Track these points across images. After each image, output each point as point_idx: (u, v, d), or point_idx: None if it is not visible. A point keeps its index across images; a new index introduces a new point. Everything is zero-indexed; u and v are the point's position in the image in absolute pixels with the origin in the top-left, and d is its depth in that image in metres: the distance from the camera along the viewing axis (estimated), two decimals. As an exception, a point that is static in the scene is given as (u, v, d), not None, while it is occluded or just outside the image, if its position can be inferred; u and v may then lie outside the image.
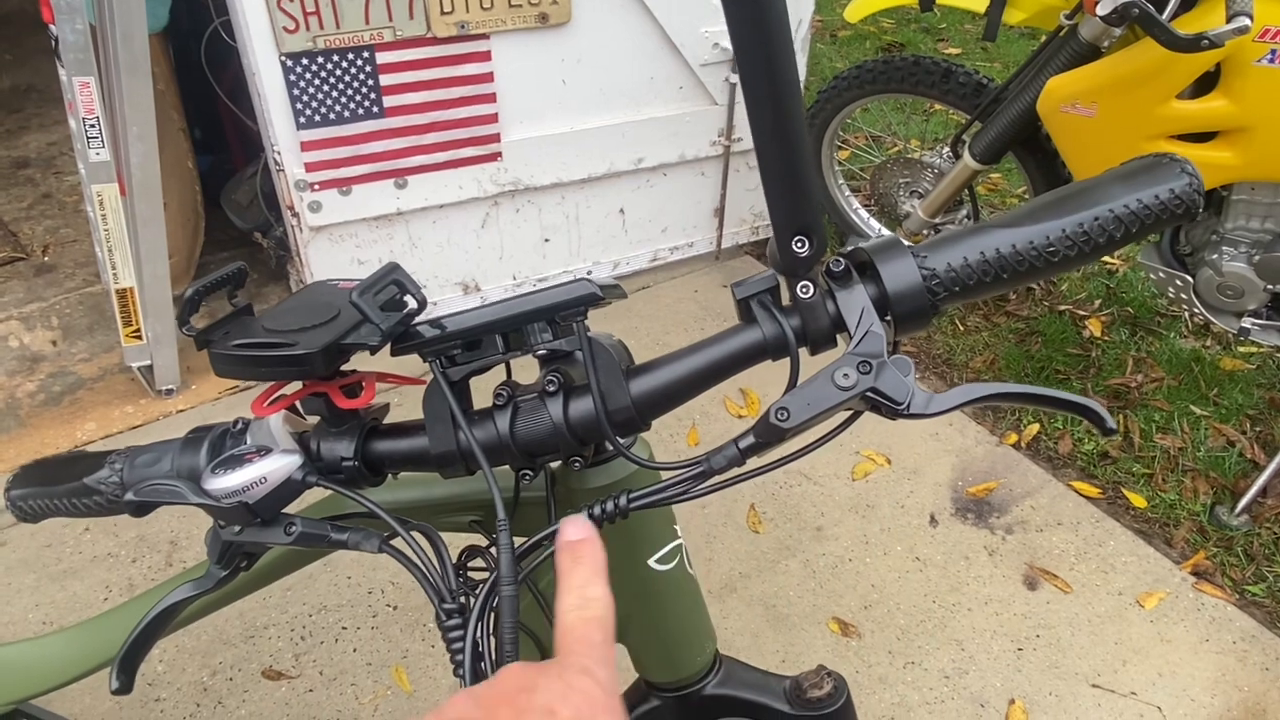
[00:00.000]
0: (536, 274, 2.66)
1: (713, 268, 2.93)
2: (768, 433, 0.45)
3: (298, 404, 0.52)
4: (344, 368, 0.52)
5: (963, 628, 1.78)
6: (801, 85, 2.78)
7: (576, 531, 0.43)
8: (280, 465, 0.49)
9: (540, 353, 0.51)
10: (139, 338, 2.23)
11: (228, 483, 0.48)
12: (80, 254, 2.88)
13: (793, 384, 0.47)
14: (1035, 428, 2.27)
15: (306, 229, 2.26)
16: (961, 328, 2.62)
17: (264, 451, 0.50)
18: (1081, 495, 2.09)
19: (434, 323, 0.51)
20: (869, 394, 0.44)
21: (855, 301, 0.46)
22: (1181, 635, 1.77)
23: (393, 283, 0.48)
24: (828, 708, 0.67)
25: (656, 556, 0.63)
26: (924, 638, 1.76)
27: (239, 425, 0.53)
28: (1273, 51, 1.61)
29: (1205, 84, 1.73)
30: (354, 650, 1.70)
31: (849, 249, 0.48)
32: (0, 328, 2.54)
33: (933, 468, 2.16)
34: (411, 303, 0.50)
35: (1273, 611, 1.82)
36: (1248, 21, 1.47)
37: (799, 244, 0.45)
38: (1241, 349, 2.47)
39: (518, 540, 0.52)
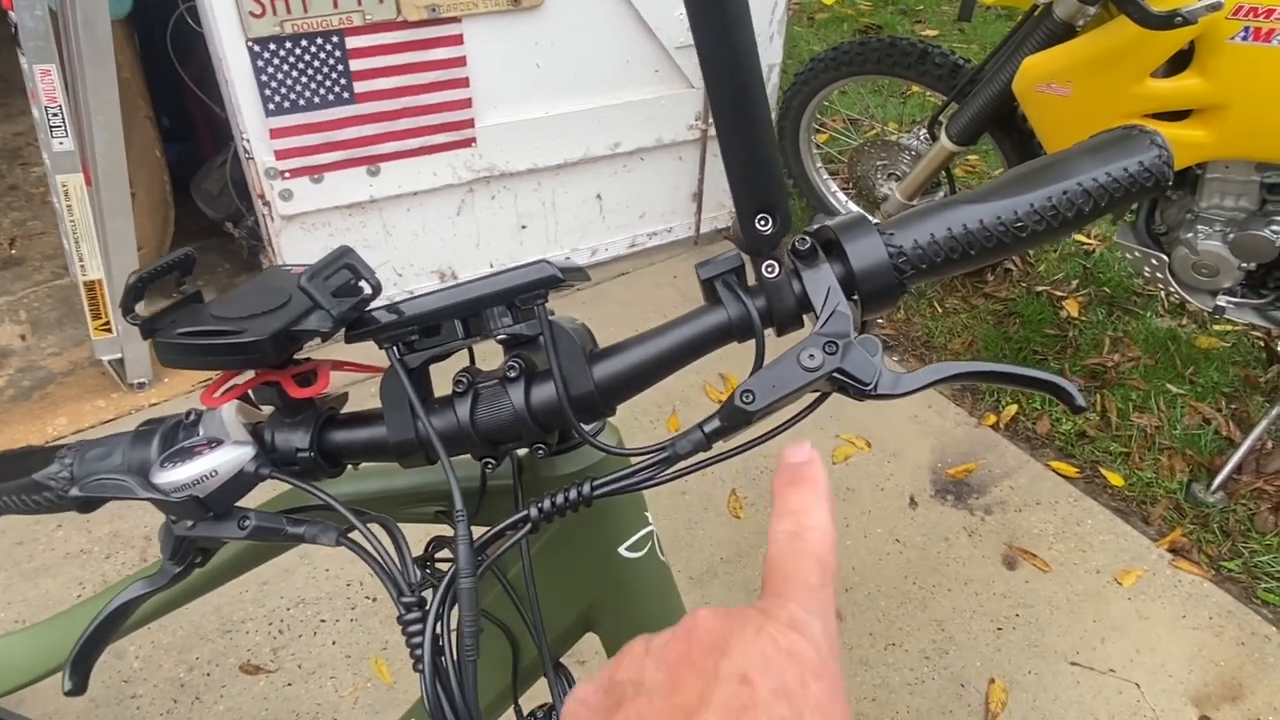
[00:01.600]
0: (514, 261, 2.62)
1: (692, 253, 2.91)
2: (733, 416, 0.44)
3: (250, 394, 0.51)
4: (298, 355, 0.50)
5: (943, 608, 1.79)
6: (778, 68, 2.75)
7: (799, 454, 0.37)
8: (232, 457, 0.47)
9: (501, 338, 0.50)
10: (109, 330, 2.19)
11: (177, 476, 0.46)
12: (48, 246, 2.83)
13: (758, 366, 0.46)
14: (1014, 408, 2.27)
15: (278, 218, 2.22)
16: (940, 310, 2.63)
17: (215, 444, 0.48)
18: (1060, 475, 2.10)
19: (390, 307, 0.49)
20: (836, 375, 0.43)
21: (821, 280, 0.45)
22: (1159, 612, 1.78)
23: (345, 267, 0.47)
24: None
25: (627, 544, 0.62)
26: (904, 619, 1.77)
27: (191, 417, 0.51)
28: (1246, 29, 1.61)
29: (1179, 62, 1.73)
30: (333, 643, 1.69)
31: (815, 227, 0.47)
32: (-34, 322, 2.49)
33: (912, 450, 2.17)
34: (366, 288, 0.48)
35: (1248, 587, 1.84)
36: (1220, -2, 1.47)
37: (762, 222, 0.43)
38: (1217, 327, 2.49)
39: (481, 531, 0.50)
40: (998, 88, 2.02)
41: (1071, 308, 2.58)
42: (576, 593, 0.64)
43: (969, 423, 2.25)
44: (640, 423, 2.22)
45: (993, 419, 2.26)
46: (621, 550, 0.62)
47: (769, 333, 0.48)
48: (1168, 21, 1.53)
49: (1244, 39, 1.62)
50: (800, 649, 0.29)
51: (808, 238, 0.46)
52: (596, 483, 0.47)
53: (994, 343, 2.46)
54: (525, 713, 0.67)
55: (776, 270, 0.46)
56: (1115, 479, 2.08)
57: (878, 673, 1.66)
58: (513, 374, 0.49)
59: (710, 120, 2.65)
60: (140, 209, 2.42)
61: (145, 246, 2.46)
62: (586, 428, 0.50)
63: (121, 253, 2.09)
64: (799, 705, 0.27)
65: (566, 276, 0.48)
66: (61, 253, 2.75)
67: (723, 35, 0.39)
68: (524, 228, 2.60)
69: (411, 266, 2.49)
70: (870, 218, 0.46)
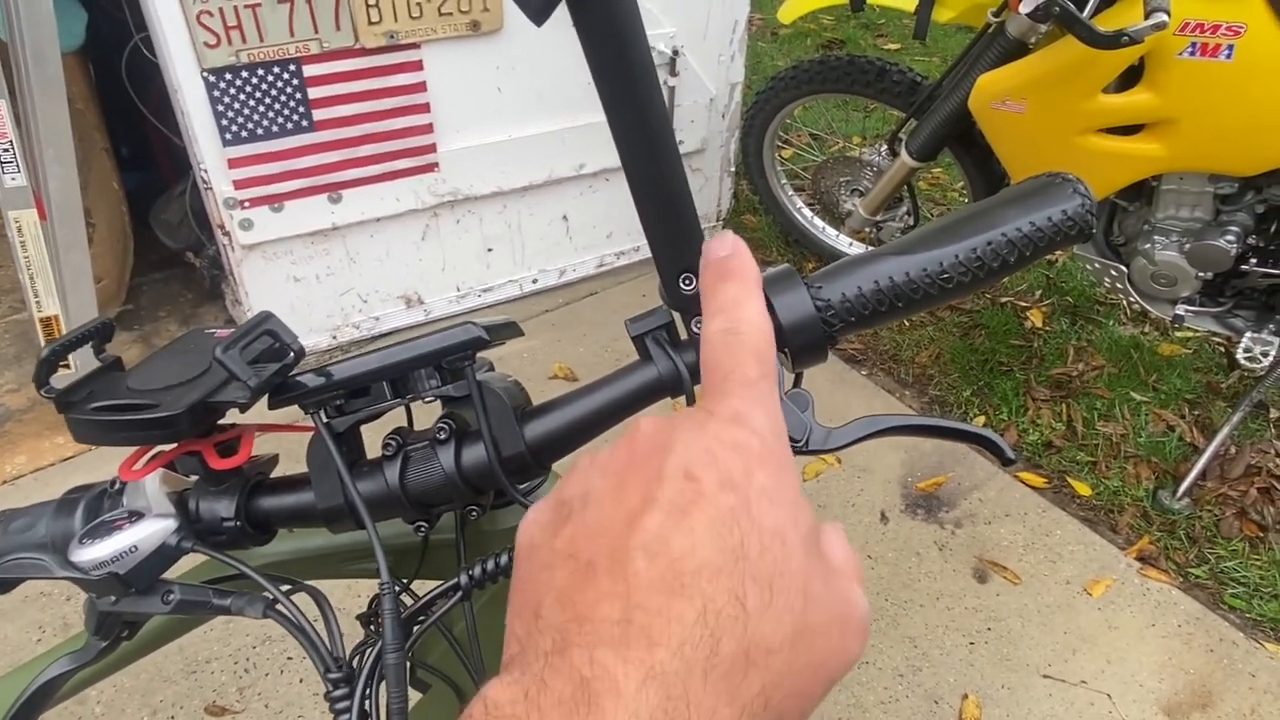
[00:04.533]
0: (481, 284, 2.63)
1: (660, 271, 2.91)
2: None
3: (175, 462, 0.50)
4: (222, 422, 0.49)
5: (915, 624, 1.79)
6: (740, 86, 2.75)
7: (722, 247, 0.36)
8: (152, 531, 0.46)
9: (428, 399, 0.49)
10: (67, 366, 2.15)
11: (96, 554, 0.45)
12: (4, 280, 2.78)
13: None
14: (981, 419, 2.29)
15: (239, 247, 2.20)
16: (907, 324, 2.64)
17: (137, 517, 0.47)
18: (1028, 486, 2.11)
19: (318, 370, 0.48)
20: None
21: None
22: (1128, 621, 1.79)
23: (265, 333, 0.46)
24: None
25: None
26: (877, 636, 1.77)
27: (116, 485, 0.50)
28: (1193, 44, 1.64)
29: (1132, 76, 1.76)
30: (300, 681, 1.66)
31: None
32: (-79, 360, 2.44)
33: (882, 465, 2.17)
34: (289, 353, 0.47)
35: (1215, 593, 1.85)
36: (1165, 18, 1.49)
37: (686, 282, 0.43)
38: (1179, 334, 2.52)
39: (420, 590, 0.49)
40: (954, 104, 2.04)
41: (1036, 318, 2.60)
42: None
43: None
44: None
45: (961, 431, 2.26)
46: None
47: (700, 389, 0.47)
48: (1114, 41, 1.55)
49: (1191, 54, 1.64)
50: (744, 439, 0.29)
51: None
52: None
53: (960, 355, 2.48)
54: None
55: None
56: (1083, 488, 2.10)
57: (851, 692, 1.66)
58: (442, 436, 0.48)
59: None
60: (99, 241, 2.39)
61: (105, 279, 2.43)
62: (526, 485, 0.49)
63: (78, 288, 2.06)
64: (745, 493, 0.27)
65: (493, 336, 0.47)
66: (18, 286, 2.70)
67: (630, 97, 0.38)
68: (490, 250, 2.59)
69: (377, 293, 2.47)
70: (796, 273, 0.45)
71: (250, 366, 0.44)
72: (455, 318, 2.47)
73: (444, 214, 2.45)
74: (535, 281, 2.72)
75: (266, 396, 0.47)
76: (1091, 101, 1.77)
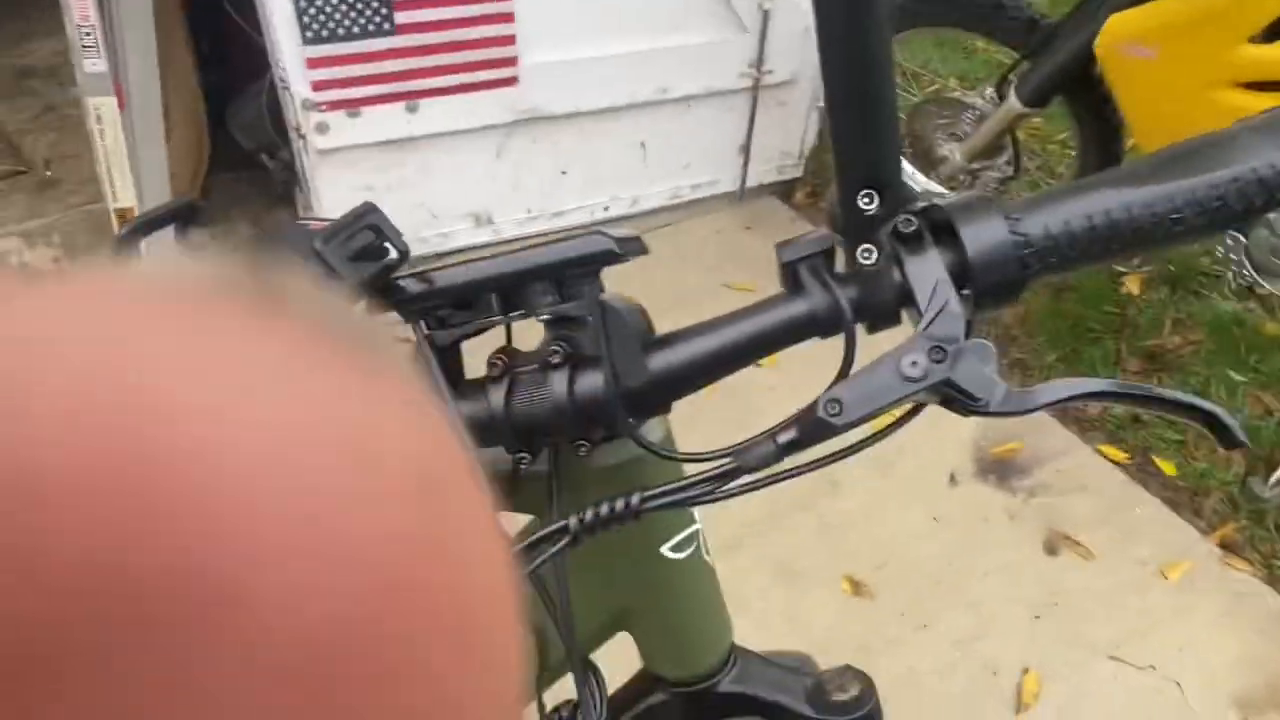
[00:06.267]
0: (552, 208, 2.56)
1: (736, 208, 2.82)
2: (814, 429, 0.37)
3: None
4: None
5: (978, 592, 1.73)
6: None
7: None
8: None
9: (544, 317, 0.43)
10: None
11: None
12: (83, 170, 2.79)
13: (846, 369, 0.39)
14: (1064, 388, 2.18)
15: (313, 152, 2.16)
16: (992, 280, 2.52)
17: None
18: (1109, 460, 2.02)
19: (420, 276, 0.43)
20: (942, 386, 0.36)
21: (928, 271, 0.38)
22: (1205, 609, 1.71)
23: (368, 227, 0.40)
24: (852, 712, 0.60)
25: (670, 544, 0.56)
26: (937, 601, 1.71)
27: None
28: (1361, -8, 1.47)
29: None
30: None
31: (922, 205, 0.40)
32: (1, 244, 2.47)
33: (955, 426, 2.08)
34: (392, 252, 0.41)
35: (1302, 589, 1.76)
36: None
37: (866, 200, 0.36)
38: (1286, 313, 2.36)
39: (523, 521, 0.45)
40: (1077, 46, 1.89)
41: (1133, 284, 2.46)
42: (611, 592, 0.59)
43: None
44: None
45: (1041, 397, 2.17)
46: (664, 550, 0.56)
47: (858, 330, 0.41)
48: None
49: (1359, 3, 1.48)
50: None
51: (913, 219, 0.39)
52: (648, 495, 0.41)
53: (1048, 317, 2.36)
54: (548, 709, 0.62)
55: (874, 256, 0.38)
56: (1167, 467, 1.99)
57: (908, 656, 1.61)
58: (556, 359, 0.42)
59: (764, 69, 2.53)
60: (175, 136, 2.37)
61: (178, 174, 2.42)
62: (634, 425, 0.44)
63: (154, 181, 2.05)
64: None
65: (623, 250, 0.41)
66: (95, 178, 2.71)
67: None
68: (564, 173, 2.52)
69: (448, 209, 2.43)
70: (993, 200, 0.38)
71: (350, 263, 0.39)
72: (524, 239, 2.42)
73: (520, 132, 2.37)
74: (607, 209, 2.65)
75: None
76: (1235, 51, 1.62)
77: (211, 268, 0.14)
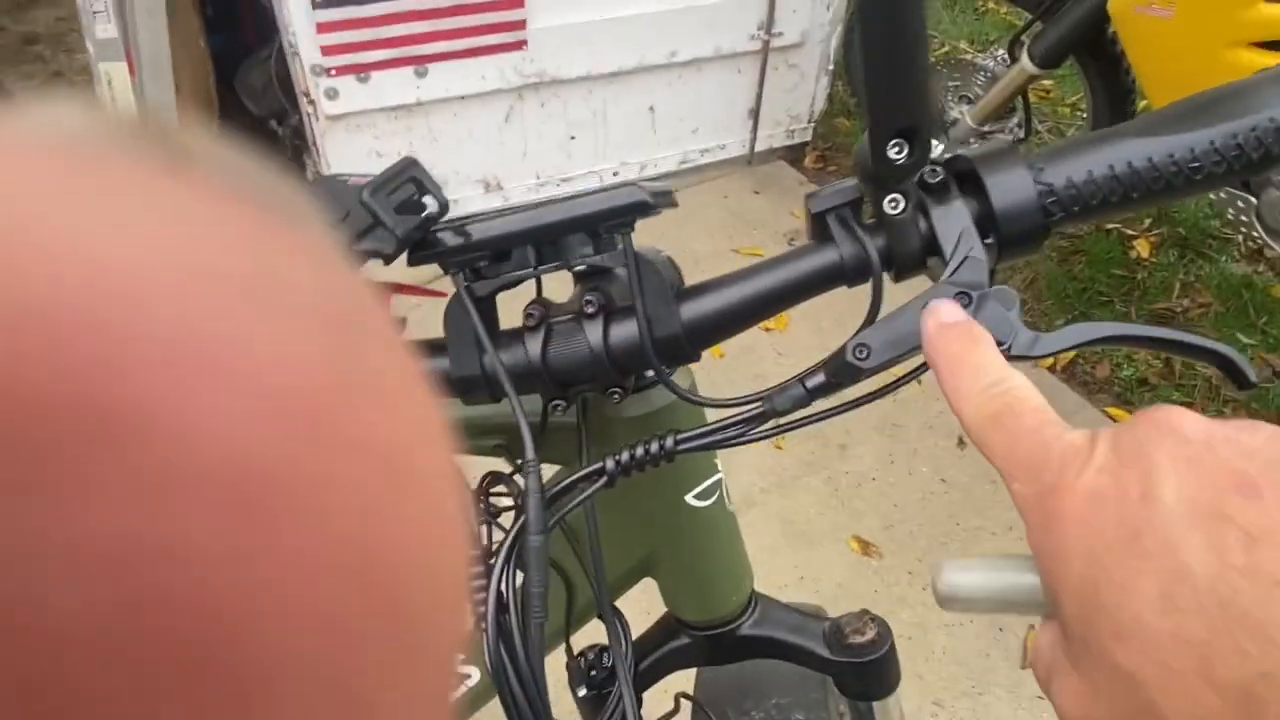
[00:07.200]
0: (560, 173, 2.56)
1: (745, 172, 2.81)
2: (842, 372, 0.39)
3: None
4: None
5: (985, 550, 1.76)
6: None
7: (951, 313, 0.35)
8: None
9: (577, 268, 0.44)
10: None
11: None
12: (92, 137, 2.80)
13: (873, 315, 0.40)
14: (1072, 351, 2.19)
15: (323, 117, 2.16)
16: (1002, 243, 2.52)
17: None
18: (1117, 422, 2.03)
19: (458, 228, 0.44)
20: None
21: (954, 220, 0.39)
22: (1210, 568, 1.73)
23: (410, 180, 0.42)
24: (869, 654, 0.63)
25: (695, 492, 0.58)
26: (946, 559, 1.74)
27: None
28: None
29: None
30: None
31: (948, 155, 0.41)
32: (13, 211, 2.48)
33: (964, 388, 2.10)
34: (432, 204, 0.43)
35: (1306, 548, 1.78)
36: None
37: (896, 149, 0.37)
38: (1295, 276, 2.36)
39: (548, 473, 0.46)
40: (1091, 6, 1.87)
41: (1143, 248, 2.45)
42: (638, 539, 0.61)
43: (1024, 364, 2.17)
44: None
45: (1049, 361, 2.18)
46: (688, 498, 0.58)
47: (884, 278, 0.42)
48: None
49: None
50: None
51: (939, 169, 0.40)
52: (681, 437, 0.42)
53: (1056, 281, 2.36)
54: (576, 653, 0.65)
55: (902, 205, 0.40)
56: (1175, 429, 2.00)
57: (915, 612, 1.64)
58: (590, 310, 0.44)
59: (774, 31, 2.51)
60: (183, 102, 2.37)
61: (189, 141, 2.42)
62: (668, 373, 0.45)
63: (165, 147, 2.05)
64: None
65: (657, 202, 0.42)
66: (105, 144, 2.71)
67: None
68: (573, 138, 2.51)
69: (457, 174, 2.43)
70: (1017, 149, 0.39)
71: (395, 215, 0.40)
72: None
73: (529, 96, 2.37)
74: (616, 174, 2.64)
75: (405, 254, 0.43)
76: (1250, 9, 1.61)
77: (117, 123, 0.14)
